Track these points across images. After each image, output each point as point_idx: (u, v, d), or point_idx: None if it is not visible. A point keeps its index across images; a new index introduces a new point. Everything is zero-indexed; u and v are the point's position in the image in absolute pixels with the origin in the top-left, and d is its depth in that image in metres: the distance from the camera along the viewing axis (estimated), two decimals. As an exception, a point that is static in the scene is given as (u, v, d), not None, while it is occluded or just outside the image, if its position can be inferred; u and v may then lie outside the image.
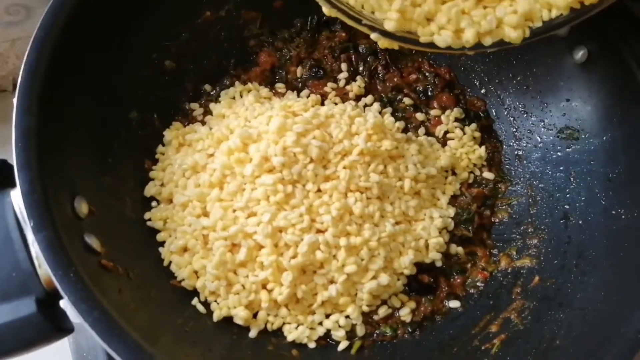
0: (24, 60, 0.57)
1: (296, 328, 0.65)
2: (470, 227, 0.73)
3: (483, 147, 0.78)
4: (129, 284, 0.58)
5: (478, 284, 0.70)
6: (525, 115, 0.78)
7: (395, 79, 0.80)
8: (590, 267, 0.65)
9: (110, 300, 0.52)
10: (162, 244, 0.67)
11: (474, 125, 0.79)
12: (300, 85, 0.80)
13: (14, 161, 0.53)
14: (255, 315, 0.65)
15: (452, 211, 0.72)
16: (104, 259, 0.56)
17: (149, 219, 0.68)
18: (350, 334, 0.66)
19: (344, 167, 0.66)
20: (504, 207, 0.76)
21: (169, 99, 0.75)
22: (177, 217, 0.67)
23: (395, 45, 0.57)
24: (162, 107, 0.74)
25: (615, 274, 0.62)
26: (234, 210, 0.65)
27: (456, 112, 0.79)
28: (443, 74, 0.81)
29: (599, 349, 0.55)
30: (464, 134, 0.78)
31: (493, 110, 0.81)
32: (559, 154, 0.74)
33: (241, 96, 0.77)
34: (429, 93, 0.80)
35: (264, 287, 0.65)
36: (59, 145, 0.58)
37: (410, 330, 0.67)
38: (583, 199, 0.70)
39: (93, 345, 0.70)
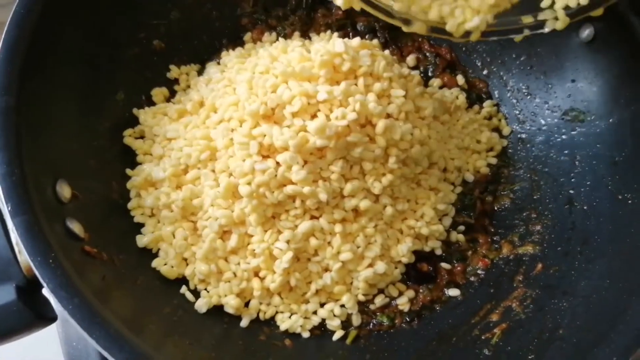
0: (2, 37, 0.54)
1: (289, 317, 0.63)
2: (471, 214, 0.70)
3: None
4: (113, 270, 0.56)
5: (479, 271, 0.68)
6: (529, 97, 0.75)
7: (395, 58, 0.77)
8: (595, 254, 0.62)
9: (93, 287, 0.50)
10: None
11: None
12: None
13: (-9, 143, 0.51)
14: (247, 304, 0.63)
15: (453, 197, 0.70)
16: (87, 245, 0.54)
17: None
18: (346, 324, 0.64)
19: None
20: (506, 192, 0.73)
21: (157, 79, 0.72)
22: (162, 203, 0.63)
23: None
24: (151, 88, 0.71)
25: (621, 261, 0.60)
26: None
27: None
28: (444, 54, 0.78)
29: (604, 339, 0.53)
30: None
31: (495, 92, 0.78)
32: (563, 137, 0.71)
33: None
34: (430, 74, 0.78)
35: (256, 274, 0.63)
36: (41, 126, 0.56)
37: (408, 319, 0.65)
38: (588, 183, 0.67)
39: (82, 335, 0.68)
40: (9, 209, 0.49)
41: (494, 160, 0.74)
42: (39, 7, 0.56)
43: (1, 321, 0.50)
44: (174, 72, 0.73)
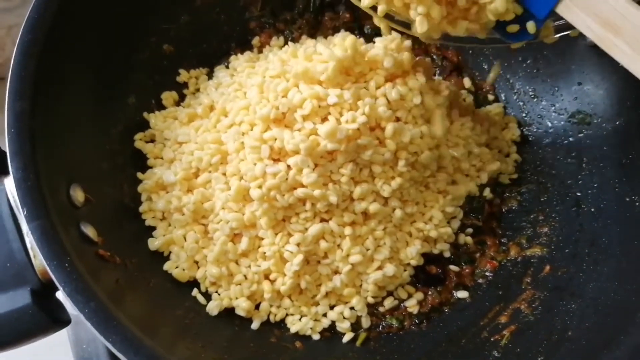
0: (17, 42, 0.55)
1: (300, 319, 0.63)
2: (479, 216, 0.71)
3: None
4: (126, 274, 0.56)
5: (487, 273, 0.68)
6: (535, 100, 0.76)
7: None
8: (603, 256, 0.63)
9: (107, 291, 0.50)
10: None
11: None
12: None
13: (6, 148, 0.51)
14: (257, 307, 0.63)
15: (461, 200, 0.70)
16: (100, 249, 0.55)
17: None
18: (356, 326, 0.64)
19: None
20: (513, 194, 0.74)
21: (167, 83, 0.72)
22: (173, 206, 0.64)
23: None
24: (160, 92, 0.71)
25: (629, 263, 0.60)
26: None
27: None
28: (451, 57, 0.79)
29: (613, 340, 0.53)
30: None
31: (502, 95, 0.78)
32: (570, 139, 0.72)
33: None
34: (437, 76, 0.78)
35: (266, 277, 0.63)
36: (54, 130, 0.56)
37: (417, 321, 0.65)
38: (595, 185, 0.68)
39: (93, 337, 0.69)
40: (25, 213, 0.49)
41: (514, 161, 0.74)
42: (51, 13, 0.57)
43: (17, 325, 0.51)
44: (183, 76, 0.74)
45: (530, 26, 0.52)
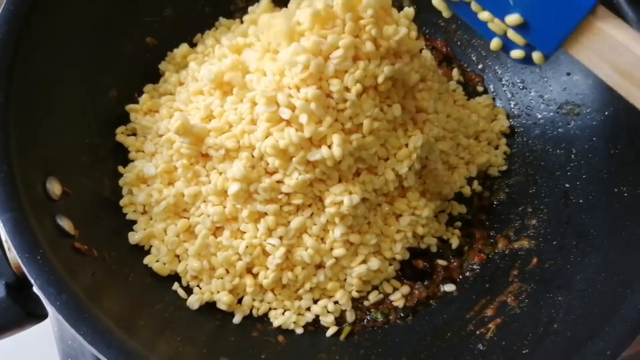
0: (-9, 34, 0.54)
1: (283, 313, 0.63)
2: (469, 209, 0.70)
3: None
4: (104, 267, 0.56)
5: (474, 267, 0.68)
6: (524, 91, 0.75)
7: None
8: (590, 248, 0.62)
9: (82, 284, 0.50)
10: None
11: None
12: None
13: (-21, 141, 0.51)
14: (239, 301, 0.63)
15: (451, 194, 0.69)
16: (77, 242, 0.54)
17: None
18: (340, 320, 0.64)
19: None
20: (502, 186, 0.73)
21: (149, 76, 0.71)
22: (154, 199, 0.63)
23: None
24: (143, 84, 0.70)
25: (617, 255, 0.59)
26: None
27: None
28: (440, 47, 0.78)
29: (599, 332, 0.52)
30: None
31: (491, 86, 0.77)
32: (559, 130, 0.71)
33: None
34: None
35: (248, 271, 0.62)
36: (31, 123, 0.55)
37: (402, 315, 0.64)
38: (584, 177, 0.67)
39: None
40: (-2, 206, 0.49)
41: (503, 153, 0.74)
42: (28, 4, 0.56)
43: (-9, 318, 0.51)
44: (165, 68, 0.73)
45: (537, 57, 0.51)
